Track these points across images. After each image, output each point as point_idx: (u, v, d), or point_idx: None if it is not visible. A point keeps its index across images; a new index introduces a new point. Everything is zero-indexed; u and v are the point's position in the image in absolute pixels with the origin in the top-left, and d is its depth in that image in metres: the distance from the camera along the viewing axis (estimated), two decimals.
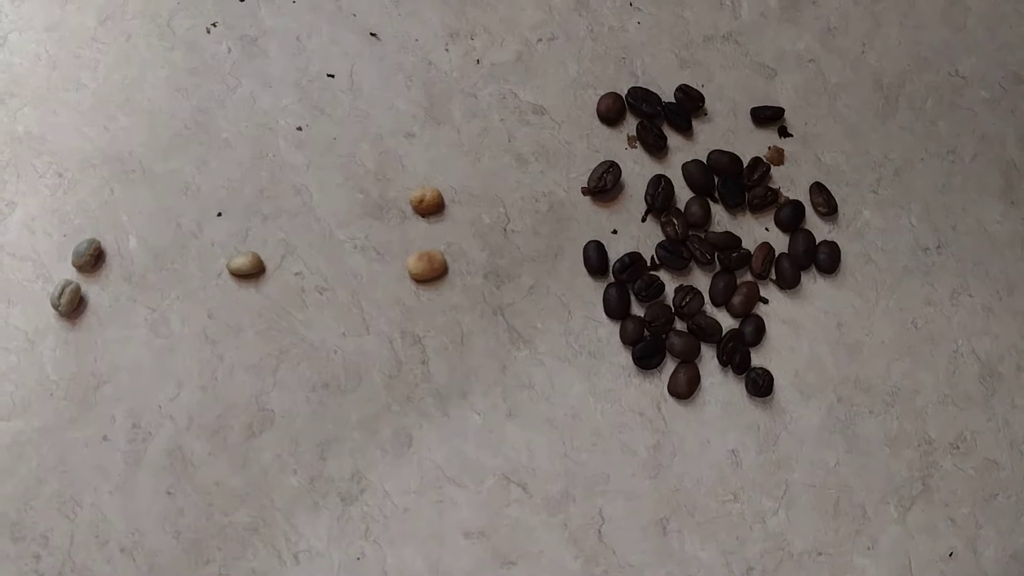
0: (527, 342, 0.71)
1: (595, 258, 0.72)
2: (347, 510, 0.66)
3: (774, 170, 0.77)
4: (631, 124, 0.77)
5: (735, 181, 0.75)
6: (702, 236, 0.74)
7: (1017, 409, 0.73)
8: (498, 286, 0.72)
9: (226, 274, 0.70)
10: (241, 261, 0.69)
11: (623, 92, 0.77)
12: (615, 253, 0.73)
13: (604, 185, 0.73)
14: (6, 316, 0.67)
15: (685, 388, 0.71)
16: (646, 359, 0.71)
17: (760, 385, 0.71)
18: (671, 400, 0.71)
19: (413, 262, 0.70)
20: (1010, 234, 0.77)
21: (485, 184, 0.74)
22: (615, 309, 0.71)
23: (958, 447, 0.72)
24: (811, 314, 0.74)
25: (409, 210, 0.73)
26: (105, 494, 0.65)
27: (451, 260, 0.72)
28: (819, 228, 0.76)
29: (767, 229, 0.75)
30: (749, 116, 0.78)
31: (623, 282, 0.72)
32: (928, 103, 0.80)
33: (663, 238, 0.74)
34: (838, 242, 0.75)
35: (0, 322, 0.67)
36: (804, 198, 0.76)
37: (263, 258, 0.70)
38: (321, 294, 0.70)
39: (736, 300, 0.73)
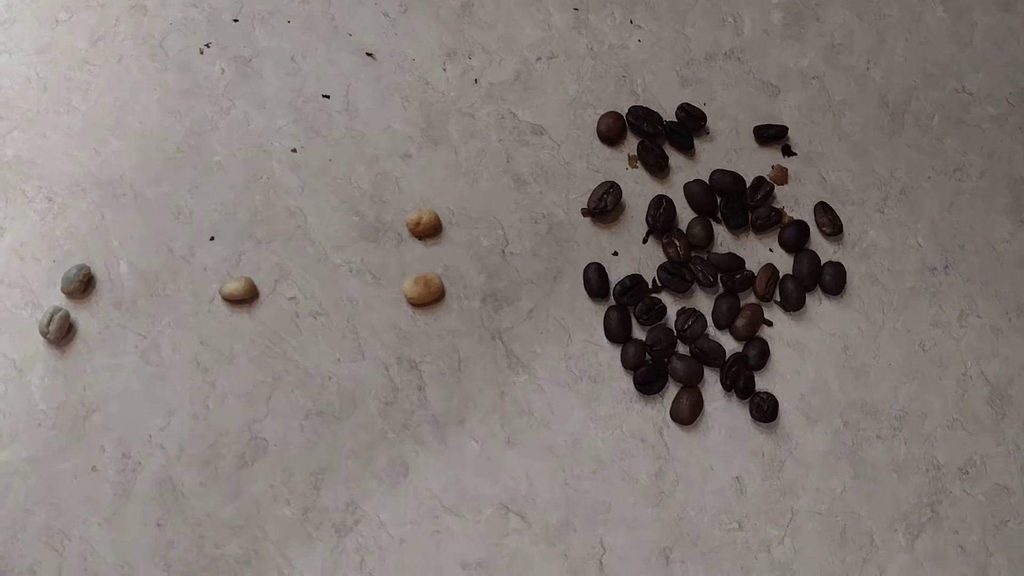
0: (526, 367, 0.69)
1: (595, 281, 0.71)
2: (341, 541, 0.65)
3: (778, 189, 0.75)
4: (632, 144, 0.75)
5: (738, 201, 0.74)
6: (704, 257, 0.72)
7: None
8: (496, 310, 0.70)
9: (218, 299, 0.68)
10: (234, 286, 0.68)
11: (623, 111, 0.75)
12: (616, 275, 0.72)
13: (604, 206, 0.72)
14: None
15: (688, 413, 0.69)
16: (648, 384, 0.69)
17: (764, 410, 0.69)
18: (673, 426, 0.69)
19: (409, 286, 0.69)
20: (1019, 253, 0.76)
21: (483, 206, 0.73)
22: (616, 333, 0.70)
23: (967, 472, 0.71)
24: (816, 337, 0.72)
25: (405, 233, 0.71)
26: (94, 526, 0.64)
27: (448, 283, 0.71)
28: (824, 248, 0.74)
29: (771, 250, 0.74)
30: (752, 135, 0.76)
31: (624, 305, 0.71)
32: (935, 120, 0.78)
33: (665, 260, 0.72)
34: (843, 263, 0.73)
35: None
36: (809, 218, 0.75)
37: (256, 283, 0.69)
38: (315, 319, 0.69)
39: (740, 323, 0.71)
